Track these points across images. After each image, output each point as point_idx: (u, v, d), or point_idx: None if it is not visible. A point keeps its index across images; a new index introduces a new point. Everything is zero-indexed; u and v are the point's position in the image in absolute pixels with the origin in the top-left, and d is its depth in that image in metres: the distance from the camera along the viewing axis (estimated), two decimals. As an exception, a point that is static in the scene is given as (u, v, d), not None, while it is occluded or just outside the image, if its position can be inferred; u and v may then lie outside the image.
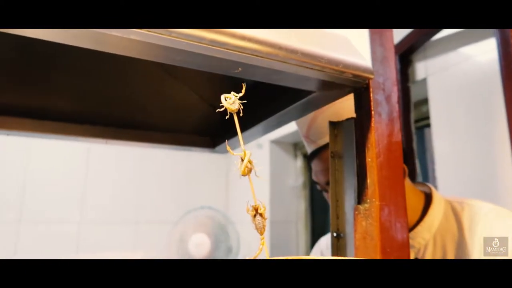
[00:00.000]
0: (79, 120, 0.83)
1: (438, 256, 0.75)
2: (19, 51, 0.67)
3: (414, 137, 1.36)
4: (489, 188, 1.09)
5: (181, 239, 1.93)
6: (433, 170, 1.29)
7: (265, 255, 0.37)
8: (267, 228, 0.38)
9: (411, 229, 0.77)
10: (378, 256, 0.45)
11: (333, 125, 0.63)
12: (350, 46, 0.50)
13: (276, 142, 2.26)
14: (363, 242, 0.48)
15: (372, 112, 0.50)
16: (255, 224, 0.37)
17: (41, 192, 2.05)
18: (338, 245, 0.60)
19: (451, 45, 1.25)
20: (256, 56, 0.42)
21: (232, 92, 0.39)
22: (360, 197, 0.50)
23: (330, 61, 0.46)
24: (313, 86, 0.52)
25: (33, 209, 2.03)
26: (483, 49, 1.15)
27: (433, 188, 0.83)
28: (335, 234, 0.60)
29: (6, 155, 2.01)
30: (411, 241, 0.76)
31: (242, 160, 0.37)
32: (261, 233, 0.37)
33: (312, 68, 0.45)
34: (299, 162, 2.32)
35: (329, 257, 0.39)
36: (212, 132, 0.97)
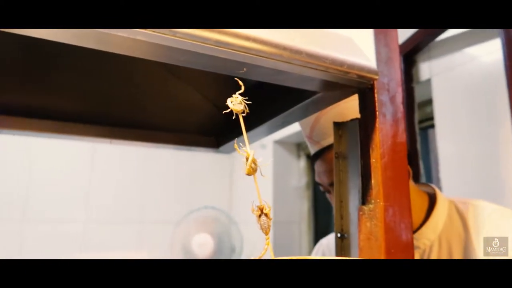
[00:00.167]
0: (83, 120, 0.83)
1: (444, 257, 0.75)
2: (26, 51, 0.68)
3: (418, 138, 1.35)
4: (493, 189, 1.09)
5: (184, 239, 1.94)
6: (437, 171, 1.28)
7: (270, 255, 0.37)
8: (270, 228, 0.39)
9: (415, 230, 0.77)
10: (382, 257, 0.45)
11: (338, 125, 0.63)
12: (355, 47, 0.50)
13: (280, 142, 2.25)
14: (367, 243, 0.48)
15: (377, 113, 0.49)
16: (260, 224, 0.37)
17: (45, 192, 2.06)
18: (342, 245, 0.60)
19: (456, 46, 1.24)
20: (261, 56, 0.42)
21: (238, 93, 0.39)
22: (365, 198, 0.50)
23: (335, 62, 0.46)
24: (318, 87, 0.52)
25: (38, 209, 2.04)
26: (488, 50, 1.15)
27: (436, 189, 0.83)
28: (339, 235, 0.60)
29: (11, 155, 2.02)
30: (416, 242, 0.76)
31: (247, 160, 0.37)
32: (266, 233, 0.38)
33: (316, 69, 0.45)
34: (303, 163, 2.31)
35: (333, 257, 0.39)
36: (216, 132, 0.97)
